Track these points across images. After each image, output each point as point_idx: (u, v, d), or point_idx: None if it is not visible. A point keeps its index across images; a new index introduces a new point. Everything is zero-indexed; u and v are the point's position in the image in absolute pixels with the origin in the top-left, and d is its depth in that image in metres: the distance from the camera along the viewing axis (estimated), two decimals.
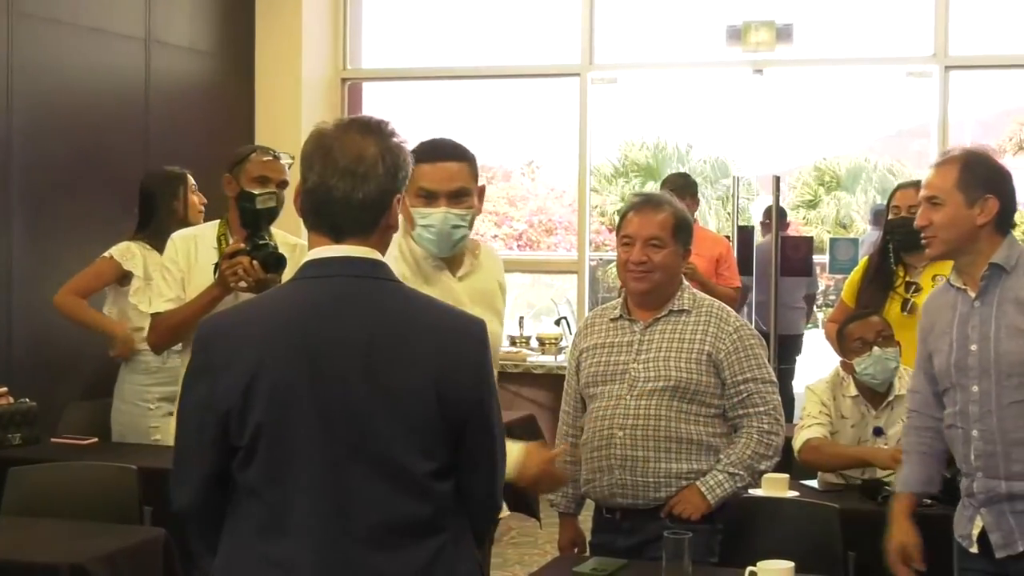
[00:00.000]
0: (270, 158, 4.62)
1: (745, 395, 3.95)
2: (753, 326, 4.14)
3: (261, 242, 4.43)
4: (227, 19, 8.38)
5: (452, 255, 3.63)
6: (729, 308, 4.08)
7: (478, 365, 2.51)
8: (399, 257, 3.55)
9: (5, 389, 5.76)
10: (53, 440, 5.69)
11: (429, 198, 3.53)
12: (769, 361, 4.23)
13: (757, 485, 4.15)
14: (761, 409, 3.96)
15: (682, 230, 4.02)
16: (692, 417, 3.92)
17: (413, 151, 3.28)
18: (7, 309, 6.58)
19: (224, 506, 2.48)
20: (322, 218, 2.48)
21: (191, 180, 5.92)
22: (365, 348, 2.40)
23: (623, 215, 4.08)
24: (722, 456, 3.93)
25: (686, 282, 4.11)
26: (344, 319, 2.42)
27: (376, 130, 2.50)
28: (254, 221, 4.51)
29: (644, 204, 4.06)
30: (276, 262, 4.41)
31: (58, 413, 6.08)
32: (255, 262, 4.38)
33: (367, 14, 9.24)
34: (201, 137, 7.86)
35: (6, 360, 6.47)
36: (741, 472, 3.93)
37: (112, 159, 7.17)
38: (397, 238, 3.40)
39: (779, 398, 4.04)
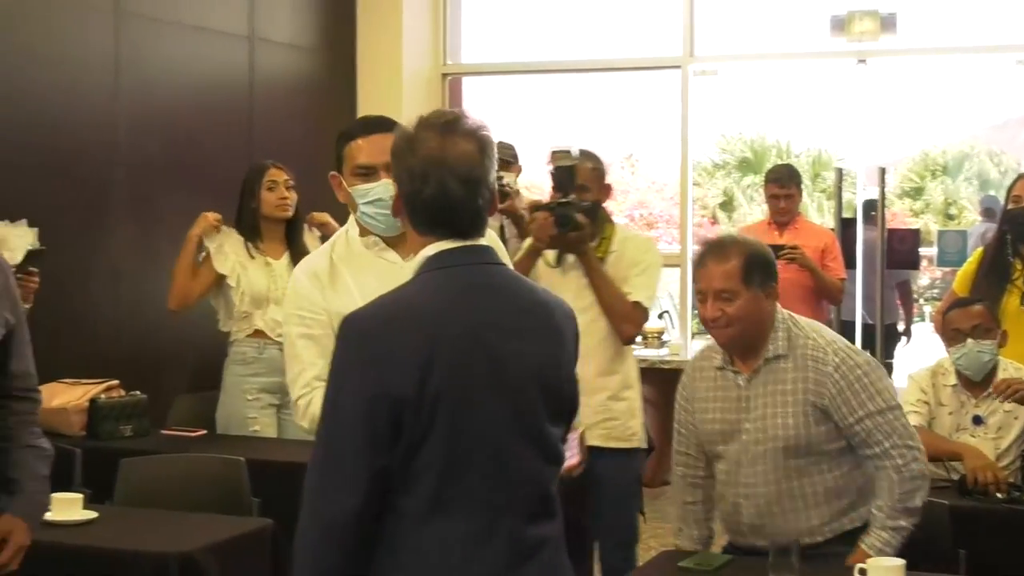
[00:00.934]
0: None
1: (864, 434, 3.69)
2: (859, 320, 4.05)
3: (564, 200, 4.65)
4: (329, 15, 8.44)
5: (399, 233, 3.34)
6: (826, 341, 3.81)
7: (578, 342, 2.65)
8: (325, 250, 3.46)
9: (116, 382, 5.86)
10: (163, 432, 5.79)
11: (368, 174, 3.41)
12: (876, 355, 4.12)
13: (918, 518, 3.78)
14: (887, 445, 3.68)
15: (756, 270, 3.76)
16: (813, 469, 3.72)
17: (343, 131, 3.36)
18: (115, 304, 6.69)
19: (376, 516, 2.40)
20: (443, 224, 2.52)
21: (274, 175, 5.94)
22: (514, 328, 2.49)
23: (693, 265, 3.86)
24: (873, 510, 3.68)
25: (781, 315, 3.86)
26: (494, 301, 2.50)
27: (469, 127, 2.55)
28: (567, 180, 4.71)
29: (709, 255, 3.80)
30: (566, 221, 4.60)
31: (166, 405, 6.18)
32: (551, 218, 4.64)
33: (467, 9, 9.25)
34: (303, 134, 7.93)
35: (116, 354, 6.57)
36: (901, 522, 3.65)
37: (215, 156, 7.25)
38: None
39: (903, 418, 3.76)
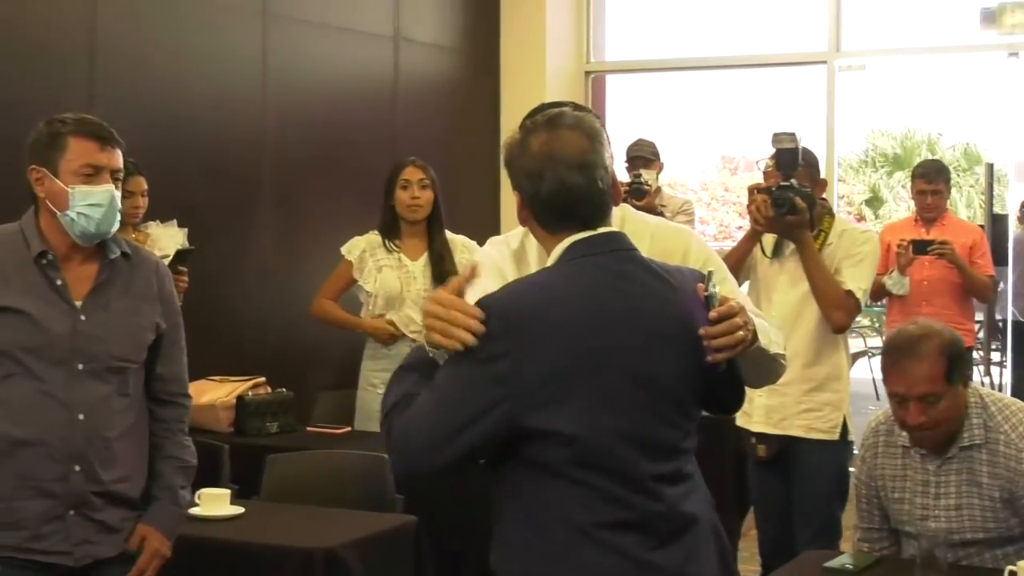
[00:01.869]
0: None
1: None
2: (1010, 317, 3.92)
3: (784, 184, 4.67)
4: (472, 15, 8.47)
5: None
6: (1019, 434, 3.58)
7: None
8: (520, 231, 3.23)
9: (263, 379, 5.96)
10: (308, 428, 5.86)
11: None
12: None
13: None
14: None
15: (956, 366, 3.52)
16: (1011, 557, 3.51)
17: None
18: (261, 302, 6.79)
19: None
20: (569, 216, 2.55)
21: (409, 174, 5.95)
22: (650, 316, 2.50)
23: (882, 362, 3.60)
24: None
25: (973, 398, 3.62)
26: (629, 289, 2.50)
27: (573, 119, 2.58)
28: (789, 163, 4.75)
29: (903, 357, 3.54)
30: (782, 203, 4.64)
31: (310, 402, 6.26)
32: (768, 200, 4.68)
33: (610, 6, 9.22)
34: (447, 133, 7.98)
35: (262, 351, 6.67)
36: None
37: (360, 156, 7.32)
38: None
39: None
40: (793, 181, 4.72)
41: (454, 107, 8.28)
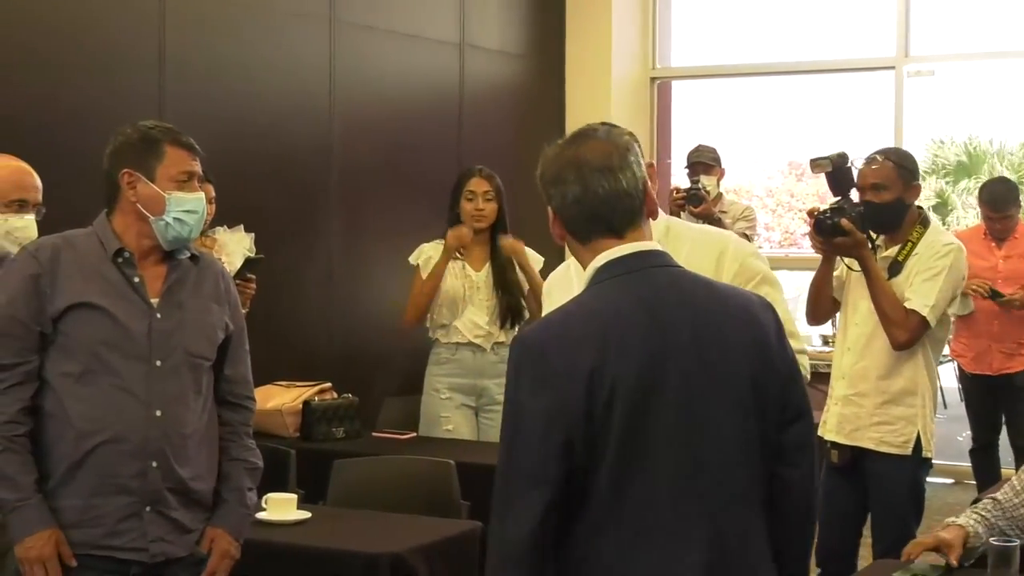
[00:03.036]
0: None
1: None
2: None
3: (834, 207, 4.70)
4: (538, 22, 8.47)
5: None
6: None
7: (772, 332, 2.57)
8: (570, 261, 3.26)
9: (329, 384, 5.98)
10: (373, 434, 5.88)
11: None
12: None
13: None
14: None
15: None
16: None
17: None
18: (327, 307, 6.82)
19: (553, 538, 2.37)
20: (597, 219, 2.53)
21: (475, 185, 5.97)
22: (692, 337, 2.44)
23: None
24: None
25: None
26: (668, 309, 2.45)
27: (601, 132, 2.59)
28: (835, 185, 4.79)
29: None
30: (823, 228, 4.68)
31: (376, 408, 6.28)
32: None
33: (676, 12, 9.20)
34: (513, 139, 7.98)
35: (328, 356, 6.70)
36: None
37: (426, 162, 7.33)
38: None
39: None
40: (843, 201, 4.72)
41: (519, 114, 8.29)
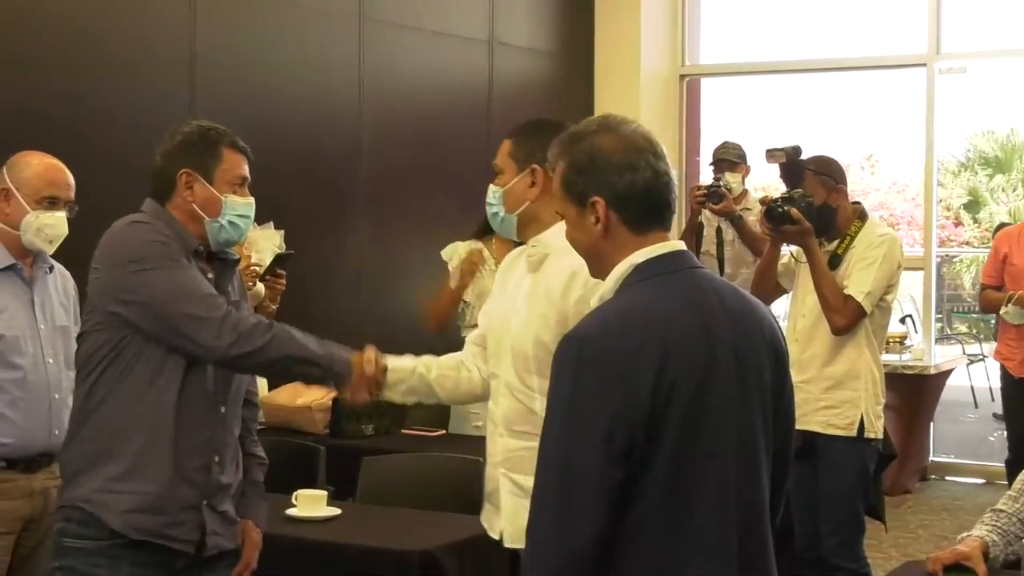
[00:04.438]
0: None
1: None
2: None
3: (785, 196, 4.97)
4: (567, 19, 8.46)
5: None
6: None
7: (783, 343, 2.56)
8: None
9: None
10: (403, 431, 5.88)
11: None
12: None
13: None
14: None
15: None
16: None
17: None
18: (355, 305, 6.83)
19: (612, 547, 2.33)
20: (656, 208, 2.47)
21: None
22: (733, 343, 2.41)
23: None
24: None
25: None
26: (713, 313, 2.42)
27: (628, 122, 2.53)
28: (787, 176, 5.14)
29: None
30: (774, 215, 4.94)
31: (405, 405, 6.28)
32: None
33: (705, 9, 9.17)
34: None
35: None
36: None
37: (454, 159, 7.34)
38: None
39: None
40: (796, 192, 5.00)
41: (548, 111, 8.25)
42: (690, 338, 2.35)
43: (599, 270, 2.51)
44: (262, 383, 5.34)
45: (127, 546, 3.25)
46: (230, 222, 3.35)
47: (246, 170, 3.41)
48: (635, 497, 2.30)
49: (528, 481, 3.13)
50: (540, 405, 3.14)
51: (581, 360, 2.31)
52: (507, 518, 3.42)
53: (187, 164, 3.35)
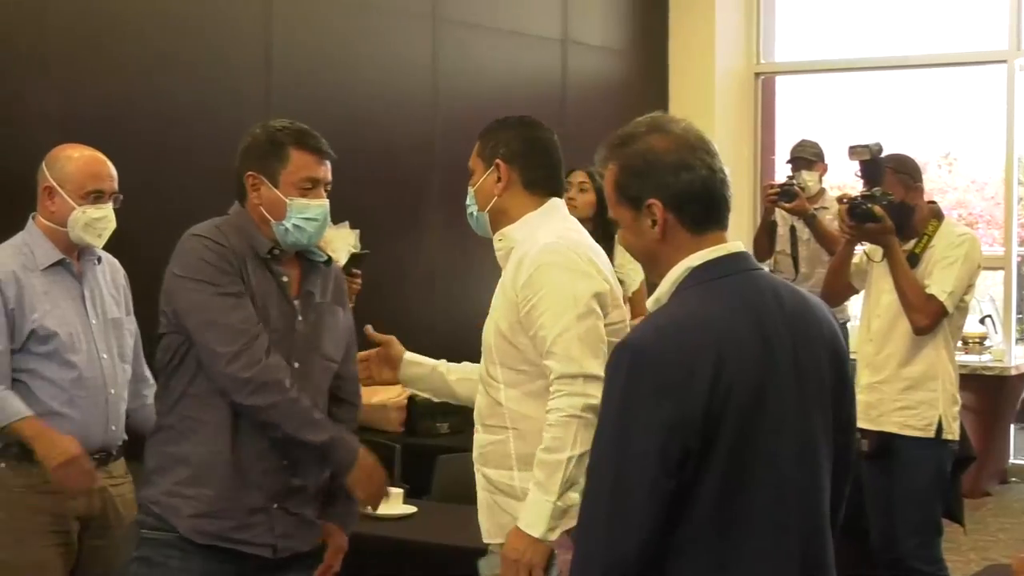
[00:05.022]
0: None
1: None
2: None
3: (866, 193, 4.97)
4: (641, 17, 8.43)
5: None
6: None
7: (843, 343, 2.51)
8: None
9: None
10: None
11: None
12: None
13: None
14: None
15: None
16: None
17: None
18: (430, 305, 6.85)
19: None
20: (714, 207, 2.42)
21: (571, 177, 5.94)
22: (792, 349, 2.36)
23: None
24: None
25: None
26: (771, 318, 2.36)
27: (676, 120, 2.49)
28: (869, 173, 5.08)
29: None
30: (857, 213, 4.92)
31: None
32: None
33: (780, 6, 9.11)
34: None
35: (431, 353, 6.70)
36: None
37: None
38: None
39: None
40: (876, 189, 4.96)
41: (622, 110, 8.25)
42: (746, 344, 2.30)
43: (657, 273, 2.46)
44: None
45: (198, 545, 3.29)
46: (295, 225, 3.31)
47: (319, 171, 3.36)
48: (687, 506, 2.26)
49: (496, 474, 3.37)
50: (504, 396, 3.33)
51: (634, 369, 2.26)
52: (482, 511, 3.43)
53: (252, 167, 3.34)
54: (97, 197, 3.89)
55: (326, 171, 3.39)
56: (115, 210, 3.94)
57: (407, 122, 6.77)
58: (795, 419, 2.34)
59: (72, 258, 3.93)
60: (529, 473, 3.22)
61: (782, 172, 7.89)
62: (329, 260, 3.48)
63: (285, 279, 3.35)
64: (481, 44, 7.17)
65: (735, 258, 2.41)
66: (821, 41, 9.44)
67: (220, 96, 5.77)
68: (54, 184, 3.88)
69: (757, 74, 9.02)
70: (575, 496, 3.10)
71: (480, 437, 3.43)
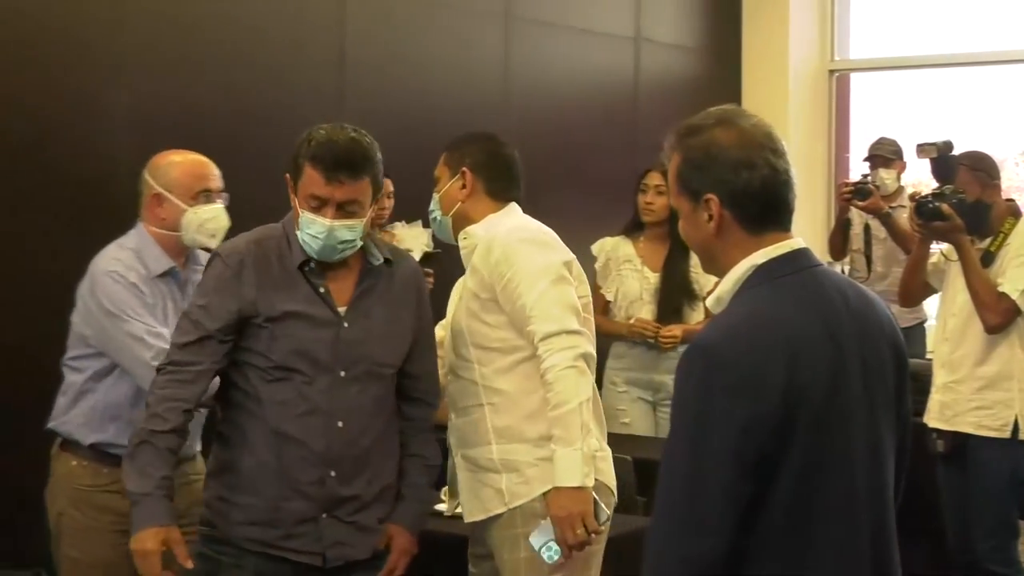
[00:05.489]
0: None
1: None
2: None
3: (935, 192, 5.05)
4: (713, 14, 8.38)
5: None
6: None
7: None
8: None
9: None
10: None
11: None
12: None
13: None
14: None
15: None
16: None
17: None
18: None
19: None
20: (776, 207, 2.37)
21: (649, 178, 5.94)
22: (859, 348, 2.34)
23: None
24: None
25: None
26: (838, 316, 2.33)
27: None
28: (938, 171, 5.22)
29: None
30: (923, 212, 4.96)
31: None
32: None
33: (855, 2, 9.01)
34: None
35: None
36: None
37: (600, 158, 7.31)
38: None
39: None
40: (947, 188, 5.00)
41: (695, 108, 8.01)
42: (816, 343, 2.27)
43: (712, 267, 2.45)
44: None
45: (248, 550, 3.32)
46: (303, 239, 3.30)
47: (324, 191, 3.27)
48: (760, 509, 2.22)
49: (475, 452, 3.56)
50: (479, 374, 3.55)
51: (709, 370, 2.23)
52: (464, 492, 3.62)
53: (288, 170, 3.35)
54: (206, 197, 3.91)
55: (335, 191, 3.28)
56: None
57: (480, 121, 6.73)
58: (863, 418, 2.31)
59: (180, 265, 3.95)
60: (507, 445, 3.49)
61: (857, 170, 7.82)
62: (389, 261, 3.44)
63: (323, 289, 3.33)
64: (553, 42, 7.16)
65: (798, 255, 2.37)
66: (897, 37, 9.32)
67: (293, 96, 5.80)
68: (161, 190, 3.89)
69: (832, 71, 8.91)
70: (593, 442, 3.42)
71: (455, 423, 3.63)
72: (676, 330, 5.83)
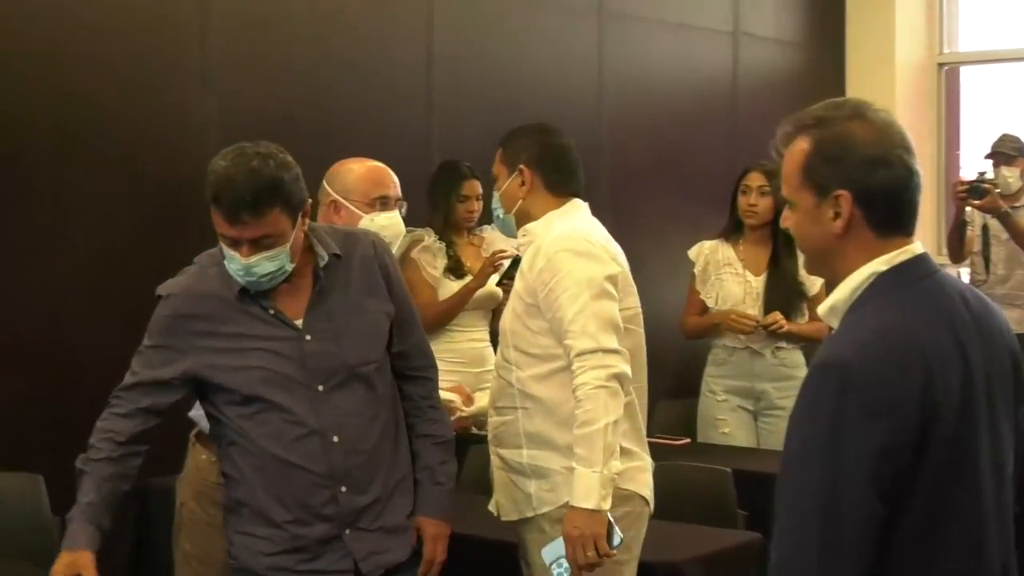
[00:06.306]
0: None
1: None
2: None
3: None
4: (815, 6, 8.23)
5: None
6: None
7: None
8: None
9: None
10: (647, 439, 5.74)
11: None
12: None
13: None
14: None
15: None
16: None
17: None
18: None
19: None
20: (902, 208, 2.24)
21: (750, 179, 5.80)
22: (984, 359, 2.21)
23: None
24: None
25: None
26: (963, 324, 2.20)
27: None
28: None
29: None
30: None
31: (648, 410, 6.14)
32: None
33: None
34: None
35: None
36: None
37: (697, 156, 7.21)
38: None
39: None
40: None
41: (797, 105, 7.86)
42: (947, 356, 2.14)
43: (822, 269, 2.32)
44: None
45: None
46: (231, 271, 3.17)
47: (232, 232, 3.09)
48: (892, 531, 2.10)
49: (508, 454, 3.56)
50: (515, 377, 3.56)
51: (843, 388, 2.09)
52: (498, 491, 3.66)
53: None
54: (383, 204, 3.94)
55: (241, 232, 3.08)
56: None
57: (573, 119, 6.65)
58: (988, 430, 2.19)
59: None
60: (537, 451, 3.52)
61: (968, 168, 7.62)
62: (338, 255, 3.26)
63: (272, 311, 3.20)
64: (648, 38, 7.06)
65: (921, 260, 2.24)
66: (1008, 28, 9.06)
67: (382, 96, 5.78)
68: (338, 198, 3.92)
69: (940, 64, 8.71)
70: (616, 464, 3.42)
71: (493, 420, 3.66)
72: (777, 316, 5.67)
